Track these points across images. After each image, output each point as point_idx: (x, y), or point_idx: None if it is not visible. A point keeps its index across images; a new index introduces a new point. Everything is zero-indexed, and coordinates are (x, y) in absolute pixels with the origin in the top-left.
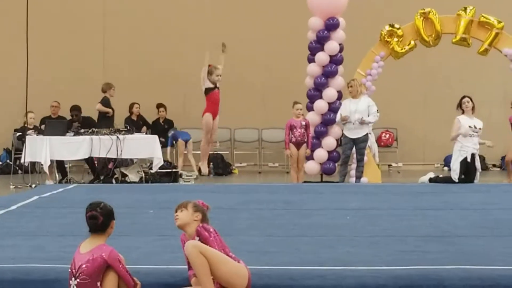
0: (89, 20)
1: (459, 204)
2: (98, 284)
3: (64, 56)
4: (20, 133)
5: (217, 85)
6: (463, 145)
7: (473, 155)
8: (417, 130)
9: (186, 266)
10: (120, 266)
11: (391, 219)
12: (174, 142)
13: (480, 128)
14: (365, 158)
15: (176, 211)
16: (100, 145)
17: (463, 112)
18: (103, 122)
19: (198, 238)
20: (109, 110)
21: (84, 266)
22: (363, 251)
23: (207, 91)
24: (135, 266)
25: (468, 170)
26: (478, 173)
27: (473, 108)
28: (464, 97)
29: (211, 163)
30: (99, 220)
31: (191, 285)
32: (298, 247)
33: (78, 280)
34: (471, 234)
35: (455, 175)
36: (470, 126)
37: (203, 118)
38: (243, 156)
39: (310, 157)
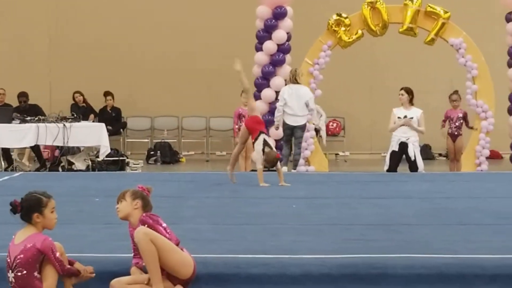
0: (35, 6)
1: (405, 192)
2: (36, 274)
3: (8, 43)
4: None
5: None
6: (392, 135)
7: (404, 144)
8: (364, 120)
9: (131, 255)
10: (52, 255)
11: (337, 207)
12: (122, 129)
13: (411, 118)
14: (312, 147)
15: (117, 204)
16: (46, 133)
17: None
18: None
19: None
20: None
21: (18, 257)
22: (308, 239)
23: None
24: (80, 254)
25: (407, 159)
26: (420, 162)
27: (411, 100)
28: (401, 89)
29: (158, 152)
30: (17, 209)
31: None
32: (244, 236)
33: (14, 273)
34: (416, 223)
35: (385, 166)
36: (399, 117)
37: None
38: (190, 145)
39: None
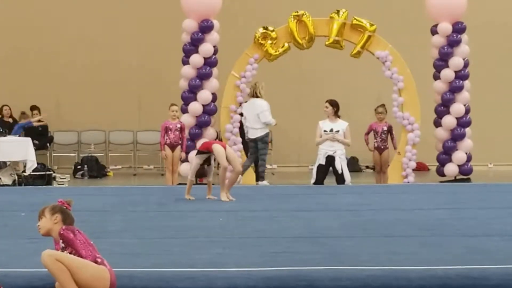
0: None
1: (332, 205)
2: None
3: None
4: None
5: None
6: (319, 149)
7: (331, 157)
8: (291, 132)
9: None
10: None
11: (264, 220)
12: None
13: (337, 131)
14: (240, 160)
15: (38, 221)
16: None
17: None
18: None
19: (61, 241)
20: None
21: None
22: (234, 252)
23: None
24: (4, 269)
25: (334, 172)
26: (347, 174)
27: (336, 112)
28: (326, 101)
29: (85, 166)
30: None
31: None
32: (170, 249)
33: None
34: (342, 235)
35: (312, 180)
36: (325, 131)
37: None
38: (118, 159)
39: (184, 160)
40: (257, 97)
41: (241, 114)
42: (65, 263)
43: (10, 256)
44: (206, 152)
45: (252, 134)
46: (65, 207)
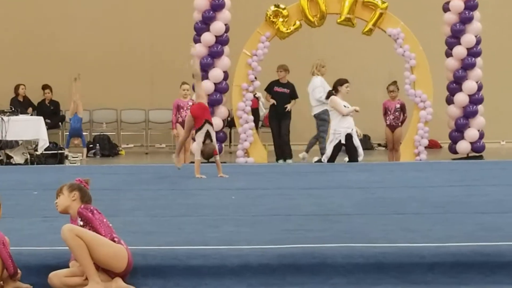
0: None
1: (344, 183)
2: None
3: None
4: None
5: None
6: (336, 128)
7: (349, 135)
8: (304, 110)
9: None
10: (3, 249)
11: (276, 198)
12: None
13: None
14: (252, 138)
15: (56, 199)
16: None
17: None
18: None
19: (80, 219)
20: None
21: None
22: (247, 230)
23: None
24: (18, 247)
25: (348, 150)
26: (360, 151)
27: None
28: (346, 81)
29: (98, 144)
30: None
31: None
32: (182, 227)
33: None
34: (354, 213)
35: (325, 157)
36: (345, 106)
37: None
38: (130, 137)
39: None
40: (314, 75)
41: (254, 93)
42: (85, 239)
43: (23, 235)
44: (201, 126)
45: (312, 111)
46: (83, 185)
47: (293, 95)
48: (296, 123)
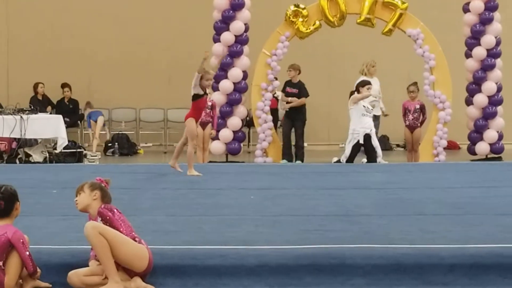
0: None
1: (363, 183)
2: (1, 264)
3: None
4: None
5: (207, 91)
6: (355, 128)
7: (368, 135)
8: (322, 110)
9: (90, 246)
10: (23, 248)
11: (295, 198)
12: (79, 121)
13: (372, 109)
14: (270, 138)
15: (75, 197)
16: (3, 125)
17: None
18: None
19: (100, 218)
20: None
21: None
22: (266, 230)
23: (196, 97)
24: (38, 246)
25: (366, 150)
26: (379, 152)
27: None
28: (369, 82)
29: (116, 143)
30: (1, 205)
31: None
32: (201, 227)
33: None
34: (373, 213)
35: (344, 158)
36: (364, 106)
37: (186, 123)
38: (148, 136)
39: (215, 137)
40: (363, 73)
41: (274, 93)
42: (108, 238)
43: (42, 233)
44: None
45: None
46: (104, 185)
47: (301, 95)
48: (312, 123)
